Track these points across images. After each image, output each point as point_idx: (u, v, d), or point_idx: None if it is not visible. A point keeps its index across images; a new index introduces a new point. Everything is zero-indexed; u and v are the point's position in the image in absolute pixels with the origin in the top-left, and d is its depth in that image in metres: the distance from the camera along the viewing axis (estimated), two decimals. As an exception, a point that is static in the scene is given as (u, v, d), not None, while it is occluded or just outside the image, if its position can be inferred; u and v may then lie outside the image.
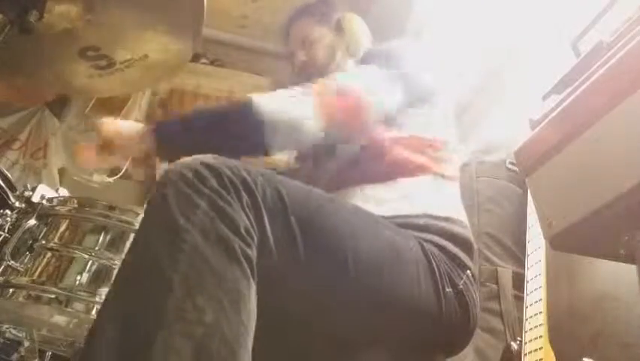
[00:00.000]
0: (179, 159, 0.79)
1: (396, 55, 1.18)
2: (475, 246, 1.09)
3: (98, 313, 0.70)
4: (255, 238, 0.74)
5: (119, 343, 0.63)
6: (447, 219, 1.05)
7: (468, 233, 1.07)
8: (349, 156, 1.12)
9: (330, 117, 1.04)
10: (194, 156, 0.77)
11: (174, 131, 1.05)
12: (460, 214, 1.10)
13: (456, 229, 1.04)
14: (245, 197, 0.75)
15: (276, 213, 0.79)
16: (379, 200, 1.03)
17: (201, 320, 0.64)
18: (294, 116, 1.03)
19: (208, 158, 0.77)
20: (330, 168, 1.14)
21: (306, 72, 1.30)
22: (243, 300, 0.68)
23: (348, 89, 1.08)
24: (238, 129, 1.03)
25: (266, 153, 1.05)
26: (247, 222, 0.74)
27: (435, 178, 1.09)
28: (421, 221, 1.02)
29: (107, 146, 1.07)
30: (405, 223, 1.00)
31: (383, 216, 0.99)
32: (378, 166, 1.08)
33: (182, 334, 0.63)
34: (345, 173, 1.10)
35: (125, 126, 1.09)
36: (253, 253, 0.73)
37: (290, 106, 1.04)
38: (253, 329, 0.69)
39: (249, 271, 0.71)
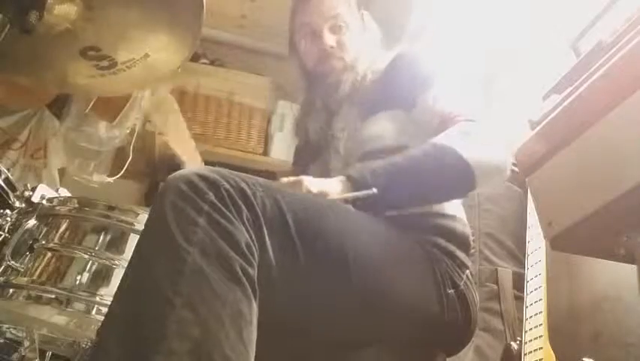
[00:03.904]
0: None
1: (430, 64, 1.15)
2: (472, 243, 1.10)
3: (101, 330, 0.70)
4: (257, 254, 0.73)
5: (121, 357, 0.63)
6: (453, 217, 1.05)
7: (468, 230, 1.08)
8: (356, 154, 1.11)
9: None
10: (192, 169, 0.76)
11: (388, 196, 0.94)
12: (461, 211, 1.11)
13: (459, 227, 1.05)
14: (245, 211, 0.74)
15: (275, 224, 0.78)
16: None
17: (202, 339, 0.64)
18: (500, 164, 1.01)
19: (205, 170, 0.75)
20: (336, 167, 1.13)
21: (329, 62, 1.17)
22: (244, 320, 0.68)
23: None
24: (446, 177, 0.98)
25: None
26: (247, 237, 0.73)
27: None
28: (430, 220, 1.02)
29: None
30: (413, 222, 1.00)
31: (394, 215, 0.99)
32: None
33: (182, 353, 0.62)
34: None
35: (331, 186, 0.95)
36: (254, 270, 0.72)
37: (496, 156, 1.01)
38: (254, 347, 0.69)
39: (250, 290, 0.70)
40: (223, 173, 0.76)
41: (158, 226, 0.72)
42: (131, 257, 0.73)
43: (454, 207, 1.08)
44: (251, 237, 0.73)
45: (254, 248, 0.73)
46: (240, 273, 0.69)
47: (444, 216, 1.04)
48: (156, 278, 0.67)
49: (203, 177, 0.73)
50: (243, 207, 0.74)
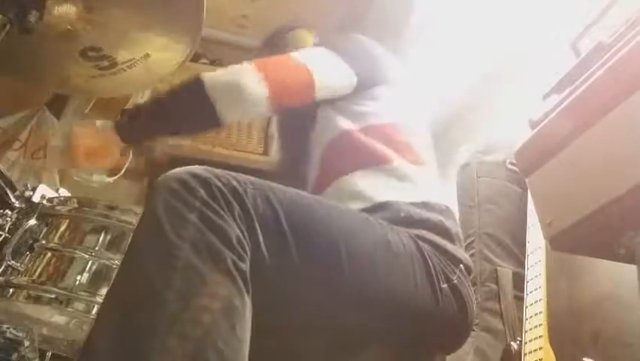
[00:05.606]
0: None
1: (344, 40, 1.22)
2: (457, 232, 1.05)
3: (94, 326, 0.70)
4: (248, 250, 0.74)
5: (115, 354, 0.63)
6: (425, 204, 1.02)
7: (445, 220, 1.03)
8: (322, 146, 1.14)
9: (273, 85, 1.06)
10: (184, 168, 0.76)
11: (136, 125, 1.10)
12: (436, 197, 1.07)
13: (434, 216, 1.01)
14: (236, 207, 0.74)
15: (267, 221, 0.78)
16: (351, 193, 1.03)
17: (194, 335, 0.64)
18: (233, 80, 1.05)
19: (197, 168, 0.76)
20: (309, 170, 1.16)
21: None
22: (237, 314, 0.68)
23: (293, 62, 1.10)
24: (190, 104, 1.08)
25: (219, 125, 1.07)
26: (239, 233, 0.73)
27: (399, 165, 1.07)
28: (402, 213, 1.00)
29: (92, 152, 1.16)
30: (393, 218, 0.99)
31: (363, 209, 0.99)
32: (343, 159, 1.10)
33: (175, 348, 0.62)
34: (322, 170, 1.13)
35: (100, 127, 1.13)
36: (247, 265, 0.72)
37: (230, 73, 1.07)
38: (248, 342, 0.69)
39: (242, 285, 0.70)
40: (214, 171, 0.77)
41: (149, 223, 0.72)
42: (124, 255, 0.74)
43: (421, 194, 1.05)
44: (242, 232, 0.74)
45: (245, 243, 0.74)
46: (232, 267, 0.70)
47: (413, 204, 1.01)
48: (148, 274, 0.67)
49: (194, 175, 0.74)
50: (235, 203, 0.75)
